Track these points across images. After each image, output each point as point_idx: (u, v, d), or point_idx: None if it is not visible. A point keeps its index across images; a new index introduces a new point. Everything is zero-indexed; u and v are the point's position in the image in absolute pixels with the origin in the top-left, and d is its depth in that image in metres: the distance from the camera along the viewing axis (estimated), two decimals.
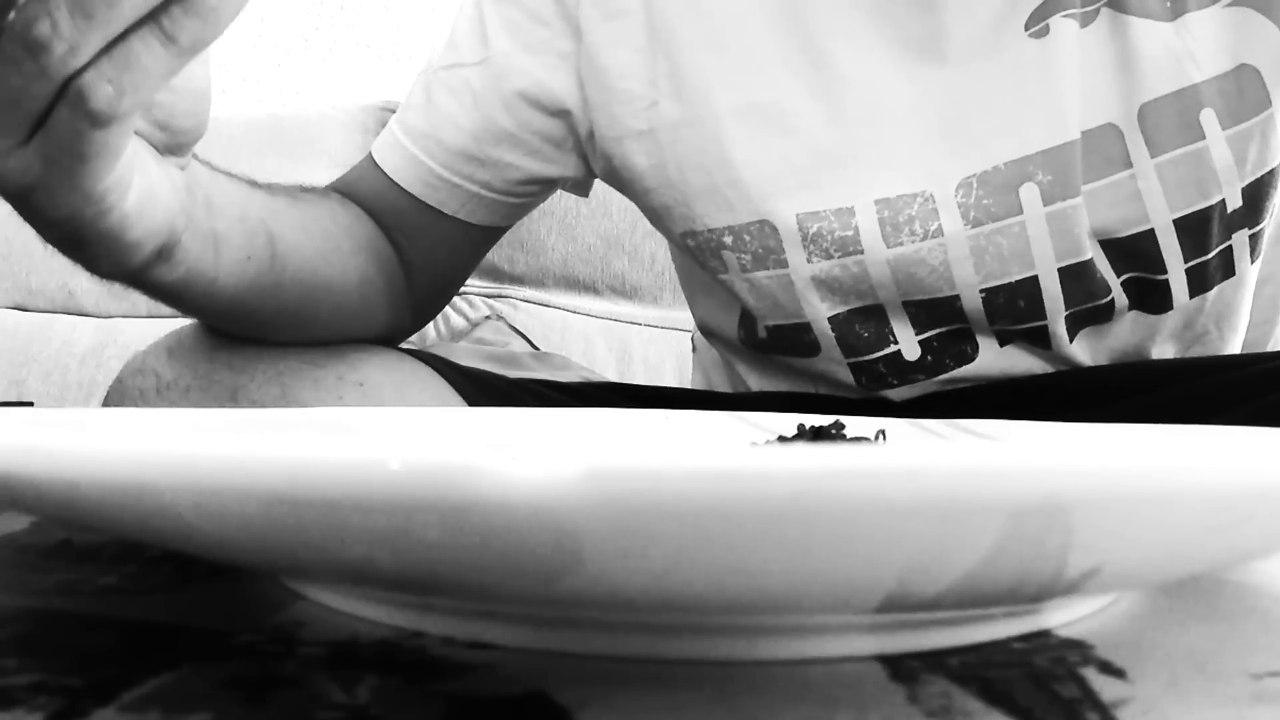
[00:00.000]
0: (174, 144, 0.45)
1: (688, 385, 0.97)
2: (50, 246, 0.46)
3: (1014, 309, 0.63)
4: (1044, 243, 0.61)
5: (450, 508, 0.16)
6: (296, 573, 0.23)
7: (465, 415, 0.47)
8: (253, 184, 0.59)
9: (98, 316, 1.48)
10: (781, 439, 0.39)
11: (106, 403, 0.62)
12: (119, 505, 0.18)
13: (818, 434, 0.39)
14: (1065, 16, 0.60)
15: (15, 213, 0.43)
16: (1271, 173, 0.62)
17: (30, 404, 1.20)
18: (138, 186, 0.43)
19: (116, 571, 0.27)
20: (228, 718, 0.17)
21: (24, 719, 0.17)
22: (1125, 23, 0.60)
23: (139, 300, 1.45)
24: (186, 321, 0.63)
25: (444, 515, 0.16)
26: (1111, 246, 0.62)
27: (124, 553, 0.30)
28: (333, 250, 0.62)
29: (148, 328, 1.29)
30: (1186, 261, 0.62)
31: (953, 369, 0.66)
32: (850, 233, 0.62)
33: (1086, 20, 0.61)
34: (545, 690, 0.19)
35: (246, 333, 0.61)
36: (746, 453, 0.15)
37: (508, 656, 0.20)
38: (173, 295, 0.53)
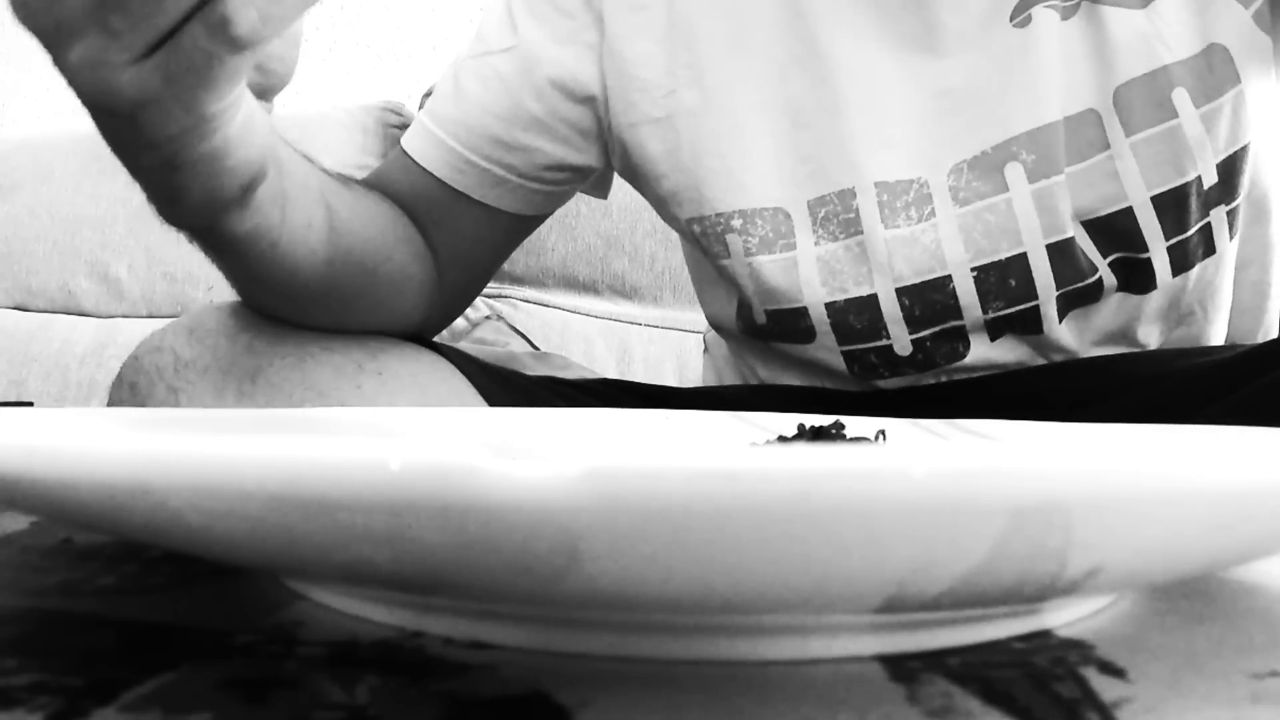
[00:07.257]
0: (265, 86, 0.47)
1: (689, 385, 0.97)
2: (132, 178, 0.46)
3: (1005, 289, 0.64)
4: (1031, 219, 0.63)
5: (450, 508, 0.16)
6: (296, 573, 0.23)
7: (460, 415, 0.47)
8: (310, 158, 0.59)
9: (98, 316, 1.47)
10: (781, 439, 0.39)
11: (120, 380, 0.62)
12: (119, 505, 0.18)
13: (818, 434, 0.39)
14: (1047, 8, 0.63)
15: (104, 132, 0.43)
16: (1244, 148, 0.64)
17: (30, 404, 1.20)
18: (243, 110, 0.44)
19: (116, 571, 0.27)
20: (228, 718, 0.17)
21: (24, 719, 0.17)
22: (1101, 13, 0.63)
23: (139, 300, 1.47)
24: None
25: (444, 516, 0.16)
26: (1093, 226, 0.64)
27: (124, 553, 0.30)
28: (378, 236, 0.64)
29: (148, 328, 1.29)
30: (1168, 239, 0.64)
31: (943, 365, 0.68)
32: (852, 215, 0.65)
33: (1067, 14, 0.64)
34: (545, 690, 0.19)
35: (288, 310, 0.61)
36: (746, 453, 0.15)
37: (508, 656, 0.20)
38: (236, 253, 0.53)
